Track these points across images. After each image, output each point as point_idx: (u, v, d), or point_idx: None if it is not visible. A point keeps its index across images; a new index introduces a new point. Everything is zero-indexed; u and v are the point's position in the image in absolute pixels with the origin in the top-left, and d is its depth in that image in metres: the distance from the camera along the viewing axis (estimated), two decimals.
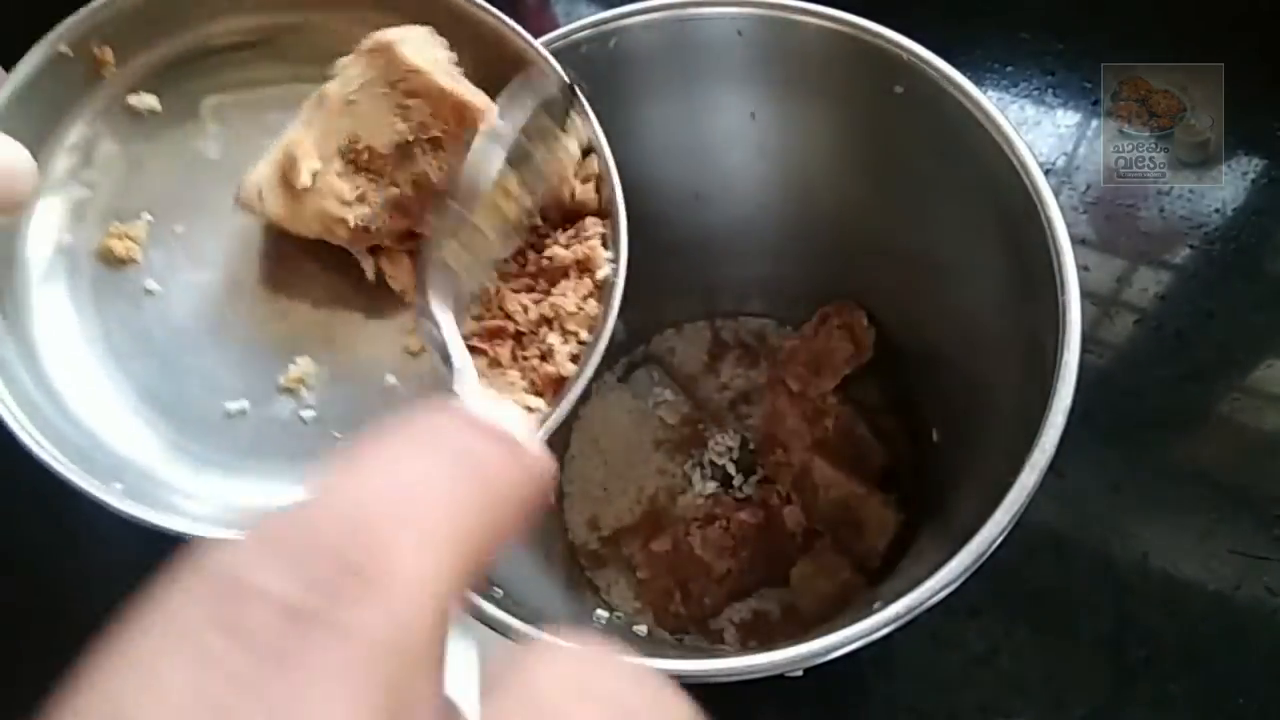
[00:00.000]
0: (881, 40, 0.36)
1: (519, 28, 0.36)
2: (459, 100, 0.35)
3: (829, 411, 0.48)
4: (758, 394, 0.54)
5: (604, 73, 0.40)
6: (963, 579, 0.30)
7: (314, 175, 0.35)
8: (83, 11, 0.36)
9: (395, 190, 0.36)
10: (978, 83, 0.35)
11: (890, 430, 0.48)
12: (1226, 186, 0.63)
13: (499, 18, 0.36)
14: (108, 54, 0.37)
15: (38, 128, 0.36)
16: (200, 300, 0.38)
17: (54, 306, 0.36)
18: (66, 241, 0.37)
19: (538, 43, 0.36)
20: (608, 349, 0.55)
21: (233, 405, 0.36)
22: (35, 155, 0.32)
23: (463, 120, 0.35)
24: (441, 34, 0.36)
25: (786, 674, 0.31)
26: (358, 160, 0.36)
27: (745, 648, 0.50)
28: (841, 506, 0.47)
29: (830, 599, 0.47)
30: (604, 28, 0.39)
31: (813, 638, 0.30)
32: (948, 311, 0.41)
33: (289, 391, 0.37)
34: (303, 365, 0.37)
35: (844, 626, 0.30)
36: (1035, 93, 0.67)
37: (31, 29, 0.36)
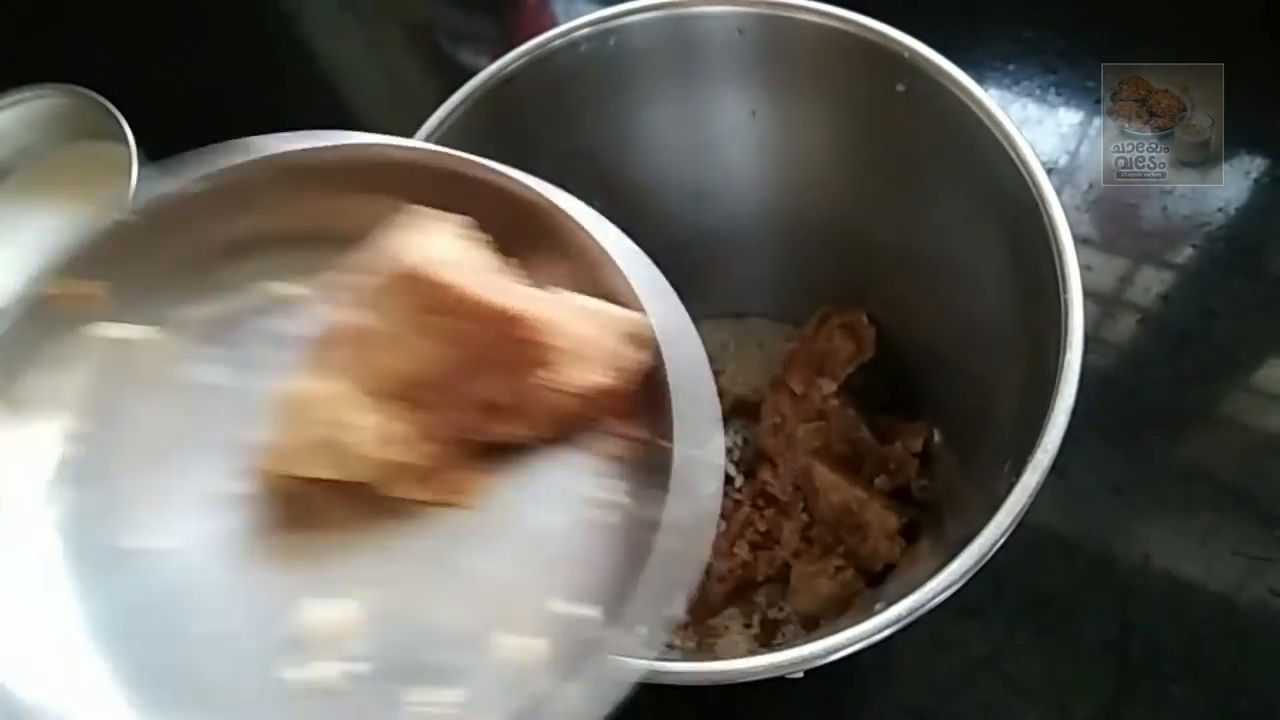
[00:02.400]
0: (883, 38, 0.36)
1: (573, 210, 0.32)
2: (517, 318, 0.30)
3: (830, 414, 0.48)
4: (759, 395, 0.54)
5: (604, 72, 0.40)
6: (964, 579, 0.30)
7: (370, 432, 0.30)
8: (61, 253, 0.32)
9: (463, 417, 0.32)
10: (980, 81, 0.35)
11: (891, 431, 0.48)
12: (1229, 186, 0.63)
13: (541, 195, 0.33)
14: (95, 289, 0.33)
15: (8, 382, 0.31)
16: (213, 551, 0.31)
17: (20, 597, 0.30)
18: (54, 515, 0.31)
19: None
20: None
21: (259, 675, 0.29)
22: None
23: (523, 338, 0.30)
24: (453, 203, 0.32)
25: (787, 675, 0.30)
26: (413, 397, 0.31)
27: (746, 648, 0.49)
28: (843, 510, 0.47)
29: (831, 600, 0.47)
30: (603, 26, 0.38)
31: (814, 639, 0.30)
32: (949, 311, 0.41)
33: (328, 646, 0.30)
34: (341, 611, 0.30)
35: (846, 627, 0.30)
36: (1037, 91, 0.67)
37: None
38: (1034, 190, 0.33)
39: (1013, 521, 0.30)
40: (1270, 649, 0.50)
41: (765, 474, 0.51)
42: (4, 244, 0.49)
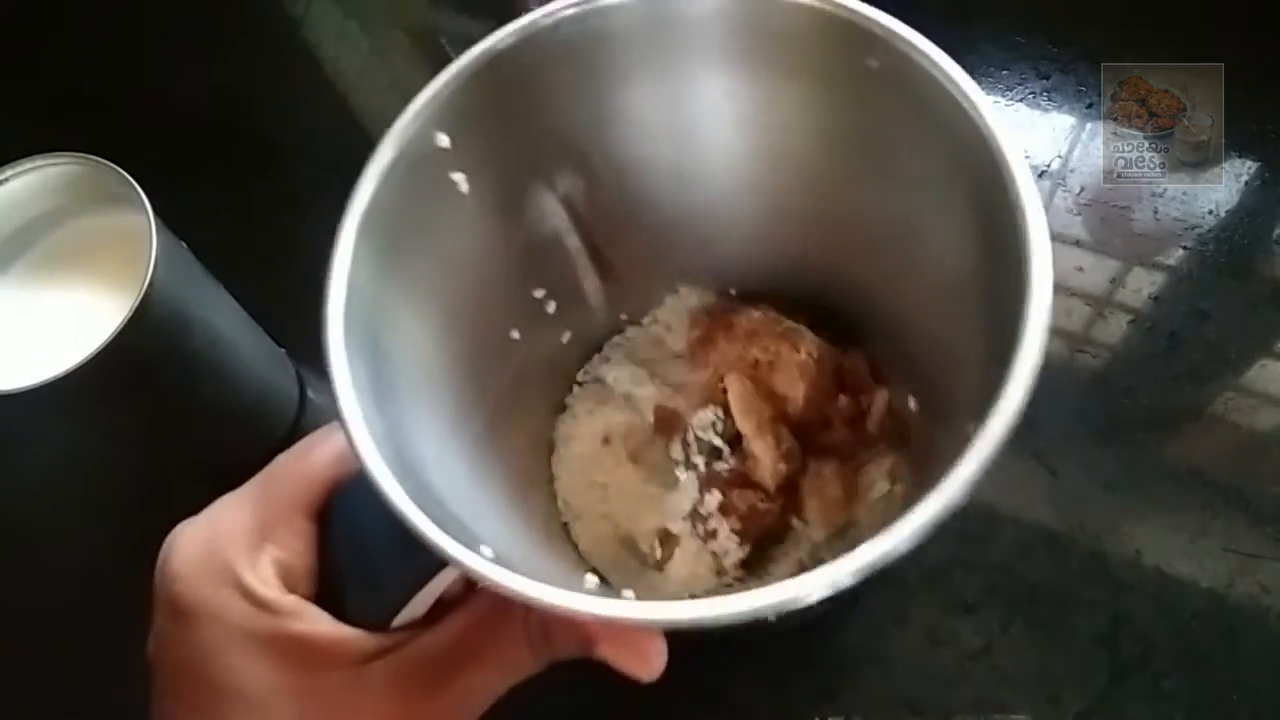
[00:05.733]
0: (855, 15, 0.37)
1: None
2: None
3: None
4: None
5: (584, 54, 0.40)
6: (936, 523, 0.28)
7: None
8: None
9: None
10: None
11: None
12: (1220, 189, 0.63)
13: None
14: None
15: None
16: None
17: None
18: None
19: None
20: (590, 334, 0.55)
21: None
22: None
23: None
24: None
25: (767, 618, 0.29)
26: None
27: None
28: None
29: (842, 502, 0.49)
30: (584, 8, 0.39)
31: (783, 585, 0.29)
32: (922, 282, 0.41)
33: None
34: None
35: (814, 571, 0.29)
36: (1030, 96, 0.68)
37: None
38: (997, 156, 0.33)
39: (981, 469, 0.28)
40: (1260, 644, 0.50)
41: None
42: (23, 315, 0.49)
